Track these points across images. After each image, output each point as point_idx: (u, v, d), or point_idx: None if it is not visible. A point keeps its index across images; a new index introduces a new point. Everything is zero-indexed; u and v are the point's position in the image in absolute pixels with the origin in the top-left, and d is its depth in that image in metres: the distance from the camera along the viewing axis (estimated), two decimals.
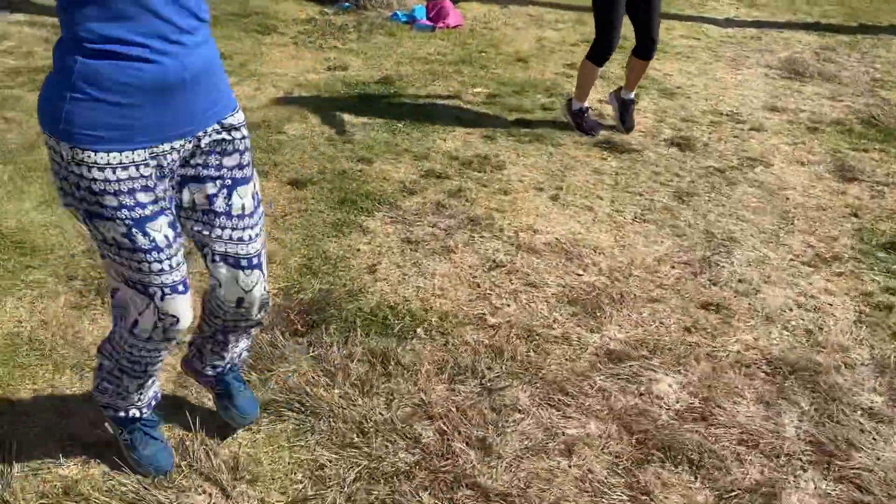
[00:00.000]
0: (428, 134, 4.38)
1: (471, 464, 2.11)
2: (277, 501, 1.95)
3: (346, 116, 4.51)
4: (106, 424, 2.02)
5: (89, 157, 1.56)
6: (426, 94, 5.02)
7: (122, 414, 1.97)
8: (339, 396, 2.31)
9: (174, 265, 1.71)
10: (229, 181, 1.76)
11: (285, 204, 3.45)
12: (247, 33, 5.94)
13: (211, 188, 1.75)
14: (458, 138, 4.37)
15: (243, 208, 1.79)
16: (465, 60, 5.76)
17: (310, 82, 5.04)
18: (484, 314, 2.79)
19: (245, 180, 1.79)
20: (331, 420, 2.22)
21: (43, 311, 2.61)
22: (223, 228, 1.78)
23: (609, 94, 4.87)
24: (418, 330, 2.67)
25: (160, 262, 1.68)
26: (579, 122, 4.59)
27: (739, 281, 3.15)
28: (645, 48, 4.51)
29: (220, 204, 1.76)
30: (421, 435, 2.19)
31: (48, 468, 1.97)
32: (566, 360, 2.60)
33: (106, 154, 1.56)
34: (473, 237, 3.32)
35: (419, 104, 4.80)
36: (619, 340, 2.71)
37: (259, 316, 1.95)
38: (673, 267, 3.23)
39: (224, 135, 1.73)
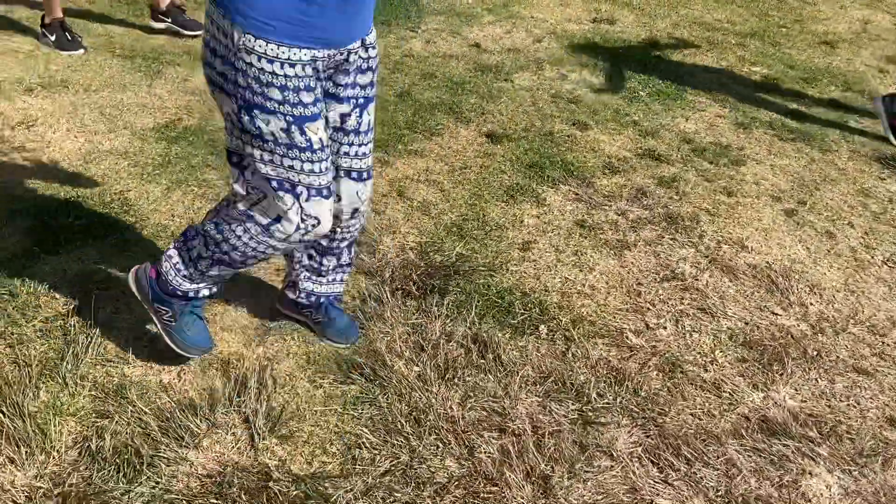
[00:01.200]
0: (670, 108, 3.84)
1: (519, 501, 1.77)
2: (297, 469, 1.80)
3: (585, 74, 4.11)
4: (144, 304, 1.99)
5: (260, 46, 1.56)
6: (691, 63, 4.41)
7: (181, 292, 1.91)
8: (417, 376, 2.07)
9: (323, 169, 1.73)
10: (362, 100, 1.82)
11: (470, 156, 3.22)
12: None
13: (346, 107, 1.80)
14: (704, 120, 3.76)
15: (369, 124, 1.87)
16: (755, 33, 4.98)
17: (565, 32, 4.68)
18: (627, 330, 2.35)
19: (373, 98, 1.86)
20: (395, 398, 2.00)
21: (199, 212, 2.69)
22: (350, 145, 1.85)
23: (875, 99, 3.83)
24: (541, 327, 2.32)
25: (312, 162, 1.70)
26: None
27: None
28: None
29: (351, 122, 1.82)
30: (480, 447, 1.89)
31: (117, 363, 2.02)
32: (703, 413, 2.09)
33: (277, 47, 1.57)
34: (663, 237, 2.82)
35: (676, 73, 4.22)
36: (785, 408, 2.12)
37: (362, 223, 2.06)
38: None
39: (363, 52, 1.76)
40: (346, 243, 2.08)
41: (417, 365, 2.10)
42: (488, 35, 4.55)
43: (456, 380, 2.08)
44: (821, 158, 3.52)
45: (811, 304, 2.56)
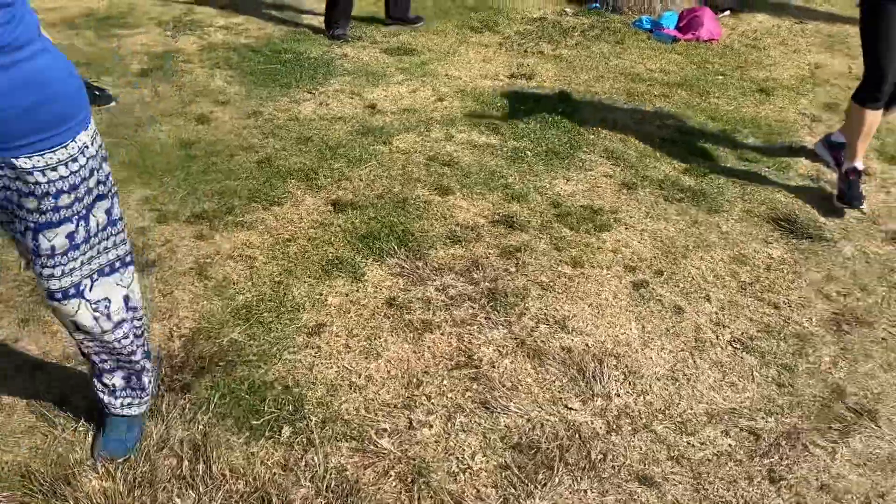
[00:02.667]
0: (553, 169, 3.59)
1: None
2: None
3: (473, 135, 3.90)
4: None
5: None
6: (598, 118, 4.16)
7: None
8: (102, 492, 1.85)
9: (43, 274, 1.63)
10: (32, 224, 1.57)
11: (303, 227, 3.02)
12: (459, 29, 5.55)
13: (19, 225, 1.59)
14: (588, 180, 3.51)
15: (53, 249, 1.61)
16: (685, 83, 4.71)
17: (475, 90, 4.49)
18: (382, 431, 2.09)
19: (51, 224, 1.57)
20: None
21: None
22: (34, 262, 1.64)
23: (818, 142, 3.68)
24: (285, 429, 2.08)
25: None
26: (844, 186, 3.35)
27: (822, 488, 1.97)
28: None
29: (28, 242, 1.60)
30: None
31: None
32: None
33: None
34: (476, 316, 2.56)
35: (577, 130, 3.98)
36: None
37: (113, 337, 1.81)
38: (727, 433, 2.14)
39: (13, 174, 1.49)
40: (101, 361, 1.86)
41: (108, 480, 1.88)
42: (389, 95, 4.39)
43: (144, 497, 1.85)
44: (705, 220, 3.22)
45: (618, 395, 2.26)
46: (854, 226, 3.22)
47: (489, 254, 2.91)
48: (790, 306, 2.70)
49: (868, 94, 3.22)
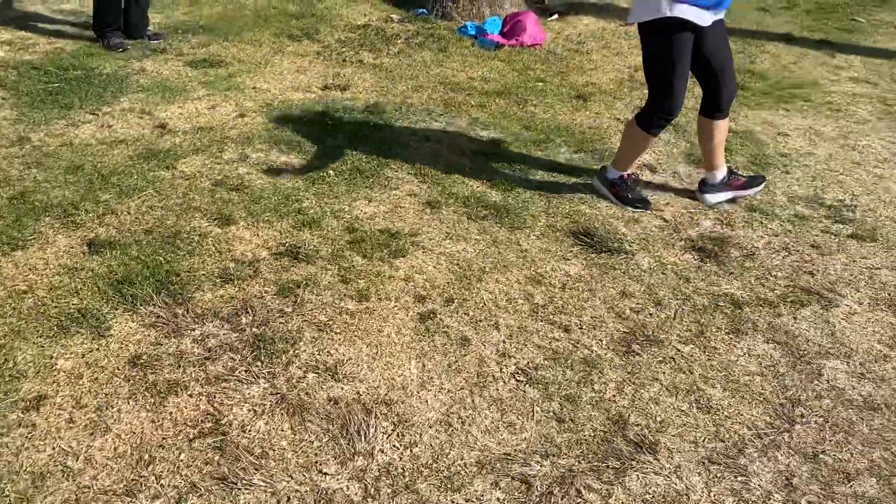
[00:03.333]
0: (355, 189, 3.34)
1: None
2: None
3: (272, 154, 3.60)
4: None
5: None
6: (410, 132, 3.95)
7: None
8: None
9: None
10: None
11: (47, 275, 2.62)
12: (276, 38, 5.22)
13: None
14: (391, 200, 3.28)
15: None
16: (505, 91, 4.58)
17: (281, 104, 4.18)
18: None
19: None
20: None
21: None
22: None
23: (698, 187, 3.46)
24: None
25: None
26: (623, 195, 3.33)
27: None
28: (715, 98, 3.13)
29: None
30: None
31: None
32: None
33: None
34: (235, 370, 2.26)
35: (388, 146, 3.75)
36: None
37: None
38: (497, 484, 1.95)
39: None
40: None
41: None
42: (185, 112, 4.02)
43: None
44: (506, 239, 3.05)
45: (383, 451, 2.03)
46: (655, 235, 3.15)
47: (265, 293, 2.62)
48: (581, 328, 2.56)
49: (656, 123, 3.13)
